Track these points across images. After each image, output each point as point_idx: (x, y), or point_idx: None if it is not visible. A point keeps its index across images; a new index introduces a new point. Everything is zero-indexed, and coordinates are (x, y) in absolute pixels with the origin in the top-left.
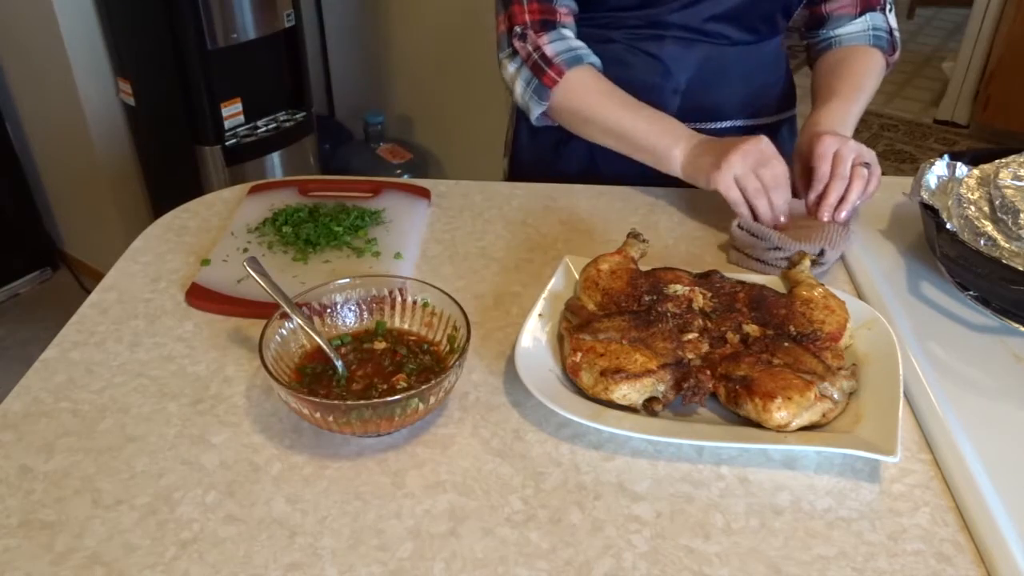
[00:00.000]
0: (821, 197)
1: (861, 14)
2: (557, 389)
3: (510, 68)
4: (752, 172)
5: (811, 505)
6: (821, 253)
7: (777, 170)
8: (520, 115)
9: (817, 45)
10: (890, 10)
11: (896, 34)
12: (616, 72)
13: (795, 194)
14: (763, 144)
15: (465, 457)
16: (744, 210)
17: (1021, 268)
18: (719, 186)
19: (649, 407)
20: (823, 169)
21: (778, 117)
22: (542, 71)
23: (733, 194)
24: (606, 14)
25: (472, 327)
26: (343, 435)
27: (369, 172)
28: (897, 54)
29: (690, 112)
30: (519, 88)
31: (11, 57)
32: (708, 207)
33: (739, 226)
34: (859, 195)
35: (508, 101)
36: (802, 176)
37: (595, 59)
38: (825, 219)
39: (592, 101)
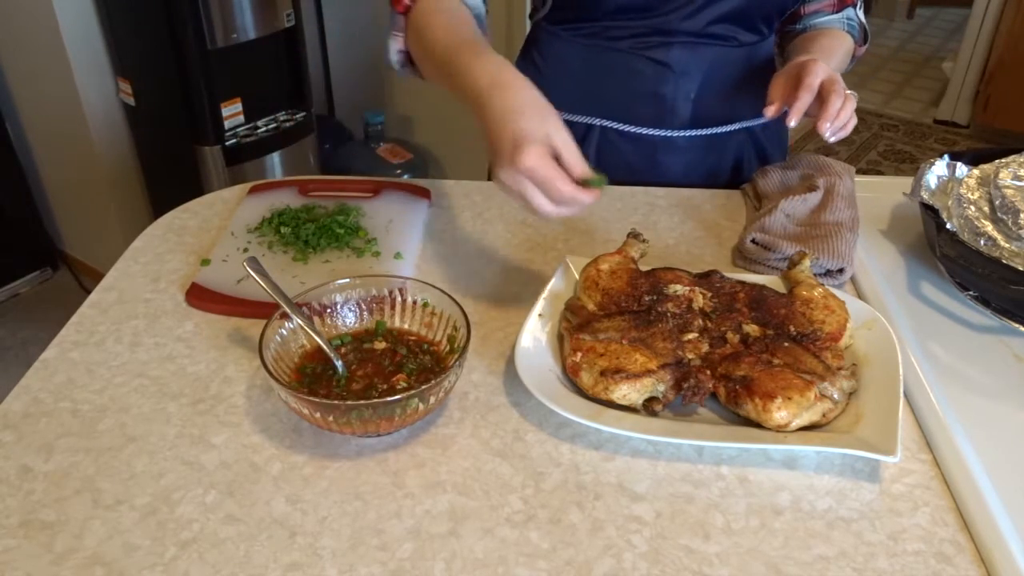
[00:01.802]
0: (822, 108)
1: (838, 11)
2: (557, 389)
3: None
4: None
5: (811, 505)
6: (841, 271)
7: (556, 192)
8: None
9: (790, 34)
10: (859, 7)
11: (867, 28)
12: (624, 81)
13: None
14: (538, 159)
15: (465, 457)
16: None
17: (1021, 268)
18: (499, 182)
19: (649, 407)
20: (811, 80)
21: (767, 117)
22: None
23: (510, 194)
24: (608, 23)
25: (472, 327)
26: (343, 435)
27: (369, 172)
28: (865, 48)
29: (703, 119)
30: (387, 32)
31: (11, 57)
32: (708, 207)
33: (752, 240)
34: (848, 117)
35: None
36: (779, 86)
37: None
38: (825, 131)
39: (431, 30)
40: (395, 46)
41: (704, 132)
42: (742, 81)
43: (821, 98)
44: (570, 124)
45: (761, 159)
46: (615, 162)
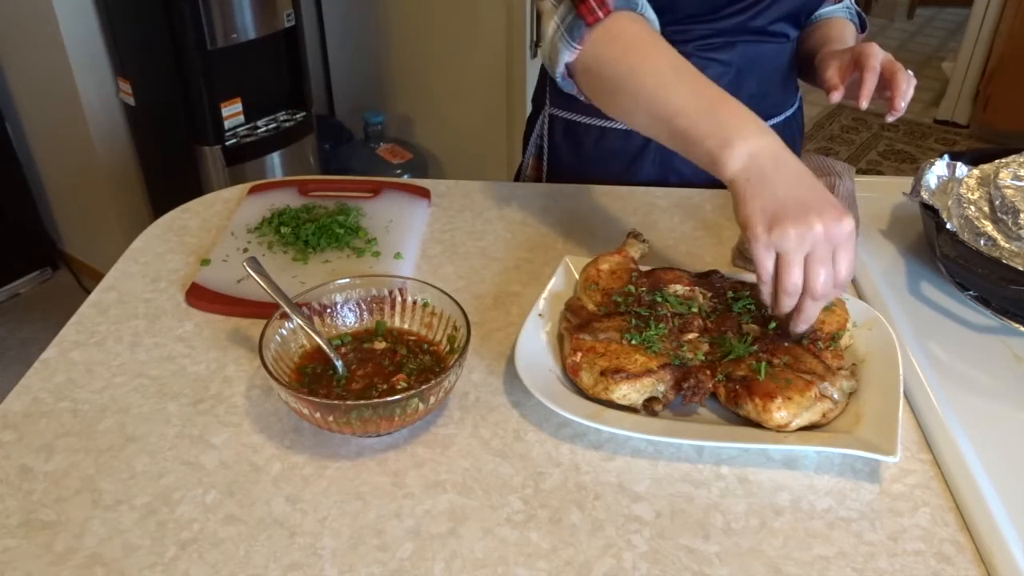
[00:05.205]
0: (891, 89)
1: (839, 0)
2: (557, 389)
3: (548, 2)
4: (804, 260)
5: (811, 505)
6: None
7: (841, 273)
8: (552, 108)
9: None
10: None
11: (863, 15)
12: None
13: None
14: (845, 228)
15: (465, 457)
16: (767, 290)
17: (1021, 268)
18: (752, 250)
19: (649, 407)
20: (874, 63)
21: (796, 105)
22: (584, 1)
23: (764, 270)
24: (673, 27)
25: (472, 327)
26: (343, 435)
27: (369, 172)
28: (864, 35)
29: (759, 114)
30: (551, 28)
31: (11, 57)
32: (708, 207)
33: None
34: (912, 93)
35: (516, 97)
36: (836, 71)
37: (653, 15)
38: (901, 109)
39: (634, 56)
40: (567, 58)
41: None
42: (783, 76)
43: (885, 79)
44: (631, 134)
45: (792, 146)
46: (681, 166)
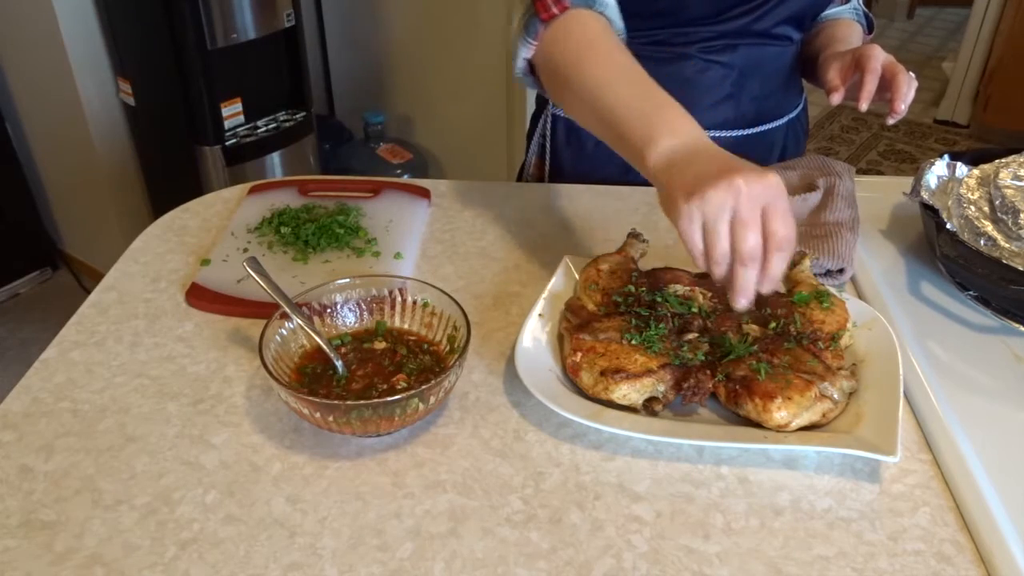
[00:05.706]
0: (892, 91)
1: (847, 1)
2: (557, 389)
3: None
4: (731, 223)
5: (811, 505)
6: (841, 271)
7: (778, 232)
8: (554, 108)
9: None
10: None
11: (870, 17)
12: (691, 86)
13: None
14: (770, 185)
15: (465, 457)
16: (701, 263)
17: (1021, 268)
18: (677, 226)
19: (649, 407)
20: (874, 65)
21: (801, 107)
22: None
23: (693, 245)
24: (676, 30)
25: (472, 327)
26: (343, 435)
27: (369, 172)
28: (871, 36)
29: (761, 116)
30: (514, 25)
31: (11, 57)
32: None
33: None
34: (913, 95)
35: (516, 97)
36: (837, 73)
37: (615, 14)
38: (901, 111)
39: (584, 54)
40: (524, 53)
41: (765, 127)
42: (785, 78)
43: (886, 80)
44: None
45: (796, 147)
46: None
